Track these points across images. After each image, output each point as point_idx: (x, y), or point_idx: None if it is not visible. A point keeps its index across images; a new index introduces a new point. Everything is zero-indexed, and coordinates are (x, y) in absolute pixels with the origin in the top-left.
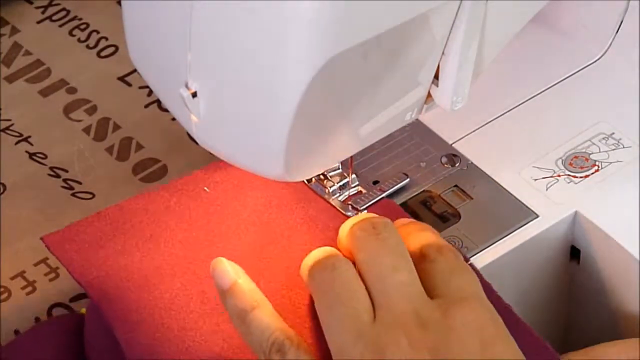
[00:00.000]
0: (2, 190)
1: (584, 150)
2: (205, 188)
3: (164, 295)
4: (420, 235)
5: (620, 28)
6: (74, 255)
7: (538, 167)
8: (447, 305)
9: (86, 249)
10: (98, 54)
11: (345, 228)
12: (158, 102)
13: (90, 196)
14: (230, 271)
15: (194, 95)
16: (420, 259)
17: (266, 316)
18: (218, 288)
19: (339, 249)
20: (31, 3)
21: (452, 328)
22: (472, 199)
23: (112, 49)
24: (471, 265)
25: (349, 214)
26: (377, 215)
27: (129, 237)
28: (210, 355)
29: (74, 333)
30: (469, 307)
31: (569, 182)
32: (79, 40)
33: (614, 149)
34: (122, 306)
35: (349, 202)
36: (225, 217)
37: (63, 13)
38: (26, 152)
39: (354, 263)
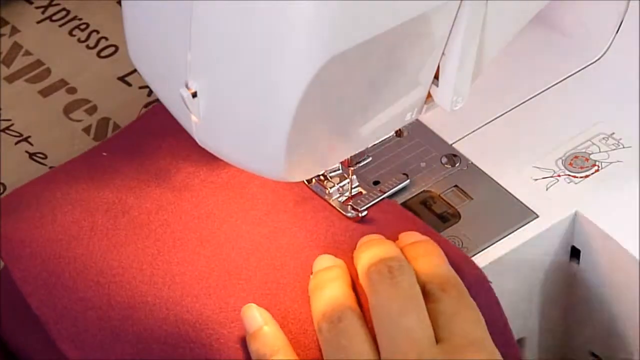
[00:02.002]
0: (2, 190)
1: (584, 150)
2: (104, 153)
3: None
4: (426, 263)
5: (620, 28)
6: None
7: (538, 167)
8: (451, 352)
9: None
10: (98, 54)
11: (360, 255)
12: (158, 102)
13: None
14: (257, 317)
15: (194, 95)
16: (425, 297)
17: None
18: (246, 333)
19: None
20: (31, 3)
21: None
22: (472, 199)
23: (112, 49)
24: (474, 264)
25: (349, 214)
26: (393, 254)
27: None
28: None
29: None
30: (473, 354)
31: (569, 182)
32: (79, 40)
33: (614, 149)
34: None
35: (349, 203)
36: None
37: (63, 13)
38: (26, 152)
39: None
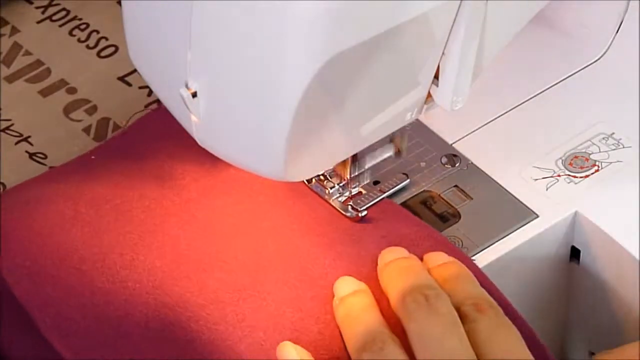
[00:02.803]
0: (2, 190)
1: (584, 150)
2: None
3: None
4: (457, 285)
5: (620, 28)
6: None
7: (538, 167)
8: None
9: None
10: (98, 54)
11: (392, 283)
12: (158, 102)
13: None
14: (293, 353)
15: (194, 95)
16: (461, 319)
17: None
18: None
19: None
20: (31, 3)
21: None
22: (472, 199)
23: (112, 49)
24: (473, 264)
25: (349, 214)
26: (427, 282)
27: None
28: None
29: None
30: None
31: (569, 182)
32: (79, 40)
33: (614, 149)
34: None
35: (349, 203)
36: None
37: (63, 13)
38: (26, 152)
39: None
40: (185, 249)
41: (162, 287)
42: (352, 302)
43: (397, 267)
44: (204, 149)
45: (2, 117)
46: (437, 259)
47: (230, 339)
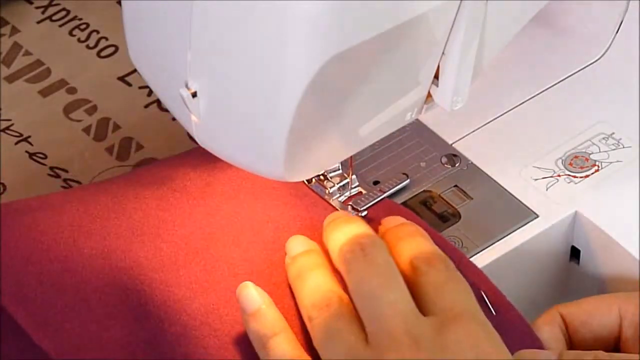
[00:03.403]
0: (2, 190)
1: (584, 150)
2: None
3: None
4: (410, 242)
5: (620, 28)
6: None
7: (538, 167)
8: (440, 323)
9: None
10: (98, 54)
11: (330, 236)
12: (158, 102)
13: None
14: (255, 296)
15: (194, 95)
16: (411, 272)
17: (286, 344)
18: (243, 312)
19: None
20: (31, 3)
21: (446, 346)
22: (472, 199)
23: (112, 49)
24: (471, 265)
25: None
26: (363, 231)
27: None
28: None
29: None
30: (463, 324)
31: (569, 182)
32: (79, 40)
33: (614, 149)
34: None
35: (349, 203)
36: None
37: (63, 13)
38: (26, 152)
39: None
40: (141, 215)
41: (116, 252)
42: (301, 261)
43: (338, 222)
44: (204, 149)
45: (2, 117)
46: (393, 221)
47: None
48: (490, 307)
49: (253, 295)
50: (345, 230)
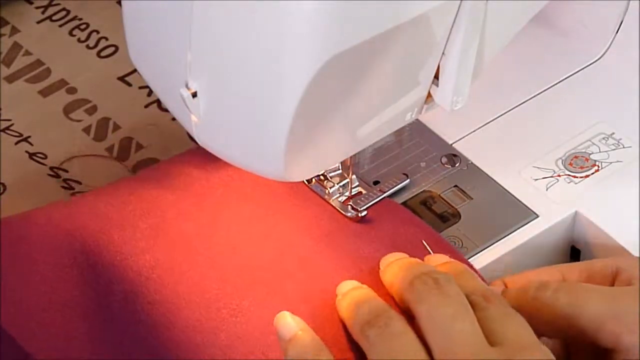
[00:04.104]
0: (2, 190)
1: (584, 150)
2: None
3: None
4: (463, 279)
5: (620, 28)
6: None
7: (538, 167)
8: (509, 353)
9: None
10: (98, 54)
11: (395, 272)
12: (158, 102)
13: None
14: (291, 323)
15: (194, 95)
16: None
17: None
18: (280, 341)
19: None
20: (31, 3)
21: None
22: (472, 199)
23: (112, 49)
24: (471, 266)
25: (349, 214)
26: (434, 269)
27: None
28: None
29: None
30: (530, 354)
31: (569, 182)
32: (79, 40)
33: (614, 149)
34: None
35: (349, 203)
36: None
37: (63, 13)
38: (26, 152)
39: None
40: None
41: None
42: (354, 294)
43: (400, 263)
44: (204, 149)
45: (2, 117)
46: (439, 259)
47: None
48: None
49: (289, 322)
50: (412, 267)
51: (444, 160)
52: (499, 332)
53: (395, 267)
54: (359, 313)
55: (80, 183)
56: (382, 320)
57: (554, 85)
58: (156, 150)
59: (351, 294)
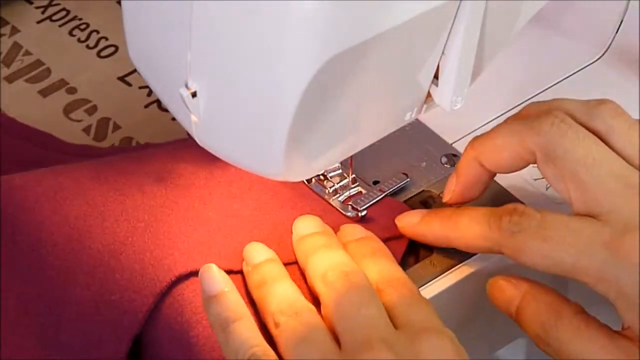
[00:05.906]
0: None
1: None
2: None
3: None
4: (373, 263)
5: (620, 28)
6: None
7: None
8: (412, 334)
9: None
10: (98, 54)
11: (309, 260)
12: (158, 102)
13: None
14: (218, 279)
15: (194, 95)
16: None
17: (247, 330)
18: (204, 294)
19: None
20: (31, 3)
21: (419, 352)
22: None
23: (112, 49)
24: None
25: (349, 214)
26: (344, 260)
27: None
28: None
29: None
30: (434, 335)
31: None
32: (79, 40)
33: None
34: None
35: (349, 203)
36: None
37: (63, 13)
38: None
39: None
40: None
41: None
42: (264, 270)
43: (315, 244)
44: (204, 149)
45: None
46: (353, 232)
47: None
48: None
49: (216, 277)
50: (325, 257)
51: (444, 160)
52: (403, 316)
53: (309, 245)
54: (270, 297)
55: None
56: (294, 309)
57: (554, 85)
58: None
59: (262, 268)
